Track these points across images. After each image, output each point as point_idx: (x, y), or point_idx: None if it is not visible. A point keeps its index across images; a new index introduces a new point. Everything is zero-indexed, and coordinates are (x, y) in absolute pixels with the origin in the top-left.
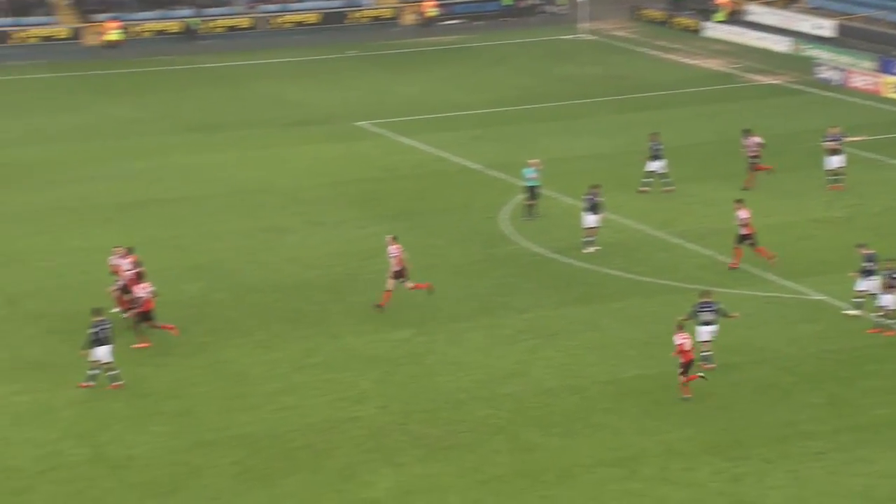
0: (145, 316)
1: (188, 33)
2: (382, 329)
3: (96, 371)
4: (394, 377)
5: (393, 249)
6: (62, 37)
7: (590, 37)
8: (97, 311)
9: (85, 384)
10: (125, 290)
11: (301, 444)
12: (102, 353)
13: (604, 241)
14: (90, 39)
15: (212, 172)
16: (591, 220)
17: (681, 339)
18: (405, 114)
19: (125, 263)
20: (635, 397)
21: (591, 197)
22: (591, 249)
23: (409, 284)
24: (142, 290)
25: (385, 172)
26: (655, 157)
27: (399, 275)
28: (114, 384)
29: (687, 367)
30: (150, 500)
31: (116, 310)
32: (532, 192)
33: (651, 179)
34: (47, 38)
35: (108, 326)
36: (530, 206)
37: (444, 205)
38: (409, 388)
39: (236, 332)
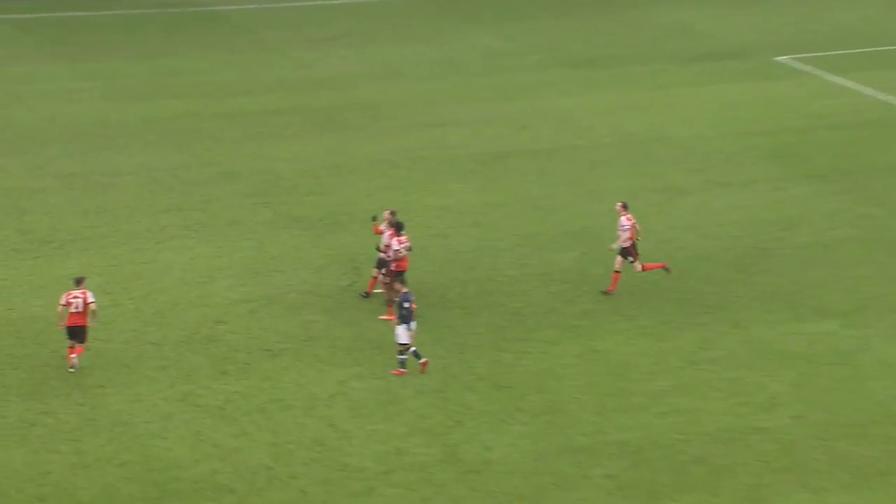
0: (398, 275)
1: None
2: (800, 318)
3: (416, 354)
4: (813, 380)
5: (625, 221)
6: None
7: None
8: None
9: (397, 371)
10: (385, 264)
11: (694, 457)
12: (400, 332)
13: None
14: None
15: (593, 118)
16: None
17: None
18: (839, 46)
19: (386, 234)
20: None
21: None
22: None
23: (639, 266)
24: (398, 244)
25: (810, 121)
26: None
27: (627, 252)
28: (395, 370)
29: None
30: None
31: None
32: None
33: None
34: None
35: (411, 300)
36: None
37: (887, 164)
38: (834, 395)
39: (616, 314)
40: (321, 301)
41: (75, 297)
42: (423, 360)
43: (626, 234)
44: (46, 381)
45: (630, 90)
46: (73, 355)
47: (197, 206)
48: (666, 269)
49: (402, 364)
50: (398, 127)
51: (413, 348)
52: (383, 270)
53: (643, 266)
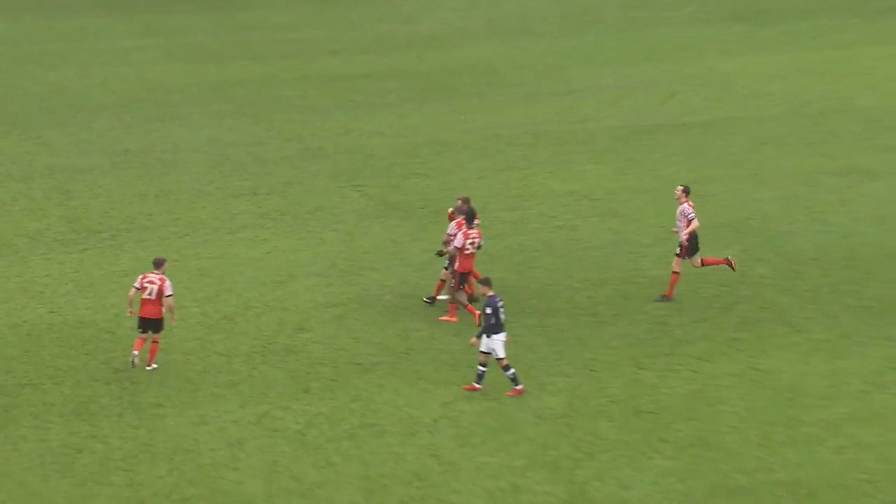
0: (462, 278)
1: None
2: None
3: (482, 368)
4: None
5: (687, 208)
6: None
7: None
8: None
9: (469, 386)
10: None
11: (883, 502)
12: (486, 342)
13: None
14: None
15: (758, 84)
16: None
17: None
18: None
19: (453, 227)
20: None
21: None
22: None
23: (698, 261)
24: (463, 238)
25: None
26: None
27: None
28: (511, 390)
29: None
30: None
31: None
32: None
33: None
34: None
35: (500, 306)
36: None
37: None
38: None
39: (784, 325)
40: (422, 306)
41: (150, 282)
42: (478, 386)
43: (696, 224)
44: (95, 398)
45: (804, 50)
46: (140, 353)
47: (275, 189)
48: (731, 264)
49: (515, 380)
50: (519, 95)
51: (482, 367)
52: (446, 265)
53: (676, 274)
